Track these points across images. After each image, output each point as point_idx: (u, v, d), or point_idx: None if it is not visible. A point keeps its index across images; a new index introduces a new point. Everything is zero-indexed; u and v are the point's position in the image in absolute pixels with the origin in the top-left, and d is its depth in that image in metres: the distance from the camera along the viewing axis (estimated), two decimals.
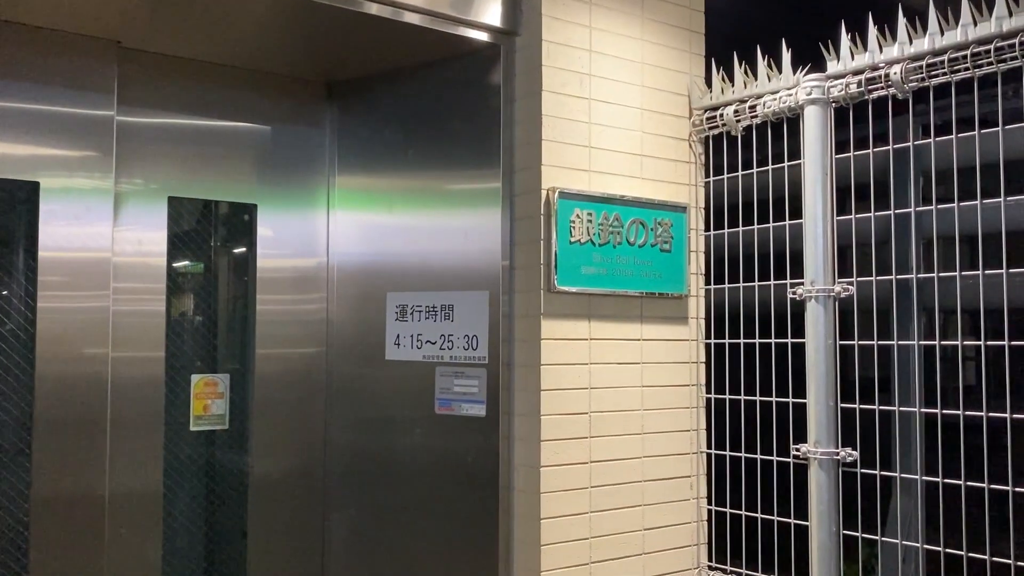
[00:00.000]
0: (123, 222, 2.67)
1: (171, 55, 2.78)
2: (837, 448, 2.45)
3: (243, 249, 2.99)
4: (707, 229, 2.96)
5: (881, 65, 2.41)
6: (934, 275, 2.32)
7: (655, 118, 2.85)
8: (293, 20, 2.61)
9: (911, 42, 2.35)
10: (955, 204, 2.28)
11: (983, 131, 2.22)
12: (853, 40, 2.48)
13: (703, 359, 2.92)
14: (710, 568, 2.86)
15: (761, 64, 2.71)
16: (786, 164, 2.67)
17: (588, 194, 2.65)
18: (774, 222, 2.71)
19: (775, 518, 2.66)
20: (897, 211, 2.46)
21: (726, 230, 2.88)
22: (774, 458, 2.66)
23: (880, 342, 2.43)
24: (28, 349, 2.49)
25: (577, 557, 2.59)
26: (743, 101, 2.77)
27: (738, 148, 2.82)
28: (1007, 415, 2.13)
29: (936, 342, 2.32)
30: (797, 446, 2.51)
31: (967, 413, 2.21)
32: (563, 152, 2.63)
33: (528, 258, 2.62)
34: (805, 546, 2.50)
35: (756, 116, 2.73)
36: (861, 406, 2.43)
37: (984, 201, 2.20)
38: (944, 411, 2.27)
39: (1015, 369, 2.13)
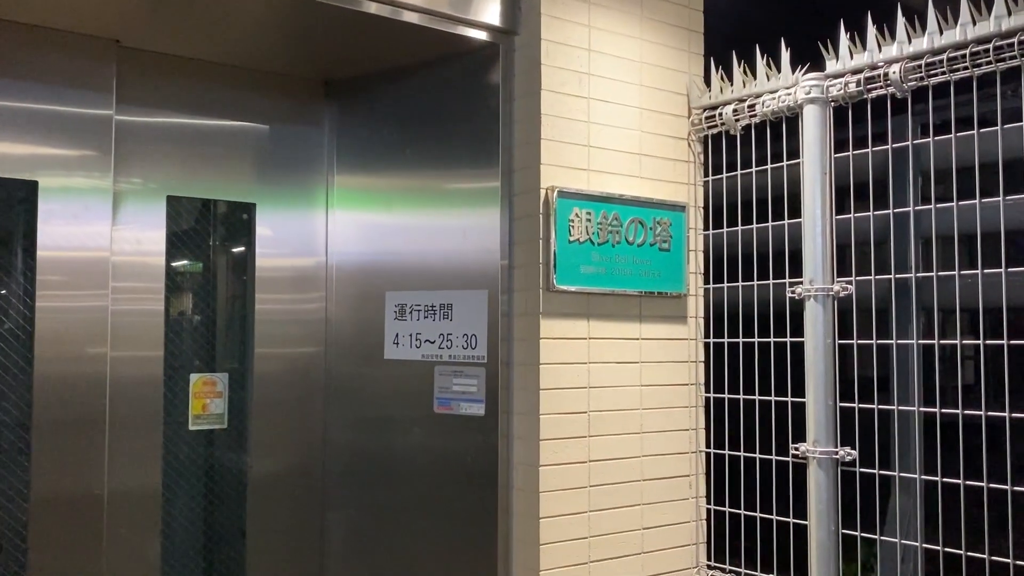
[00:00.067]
0: (122, 221, 2.67)
1: (170, 54, 2.78)
2: (836, 447, 2.45)
3: (242, 248, 2.99)
4: (706, 228, 2.96)
5: (880, 64, 2.41)
6: (933, 274, 2.32)
7: (654, 117, 2.85)
8: (292, 19, 2.60)
9: (910, 41, 2.35)
10: (954, 203, 2.28)
11: (982, 130, 2.22)
12: (852, 39, 2.48)
13: (702, 358, 2.92)
14: (709, 567, 2.86)
15: (760, 63, 2.71)
16: (785, 163, 2.67)
17: (587, 193, 2.65)
18: (773, 221, 2.71)
19: (774, 517, 2.66)
20: (896, 210, 2.46)
21: (725, 229, 2.88)
22: (773, 457, 2.66)
23: (879, 341, 2.43)
24: (27, 349, 2.49)
25: (576, 556, 2.59)
26: (742, 100, 2.77)
27: (737, 147, 2.82)
28: (1006, 414, 2.13)
29: (935, 341, 2.32)
30: (796, 445, 2.51)
31: (966, 412, 2.22)
32: (562, 151, 2.63)
33: (527, 257, 2.62)
34: (804, 545, 2.50)
35: (755, 115, 2.73)
36: (860, 405, 2.43)
37: (983, 200, 2.20)
38: (943, 410, 2.27)
39: (1014, 368, 2.13)
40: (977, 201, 2.21)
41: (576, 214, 2.62)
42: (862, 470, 2.41)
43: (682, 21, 2.93)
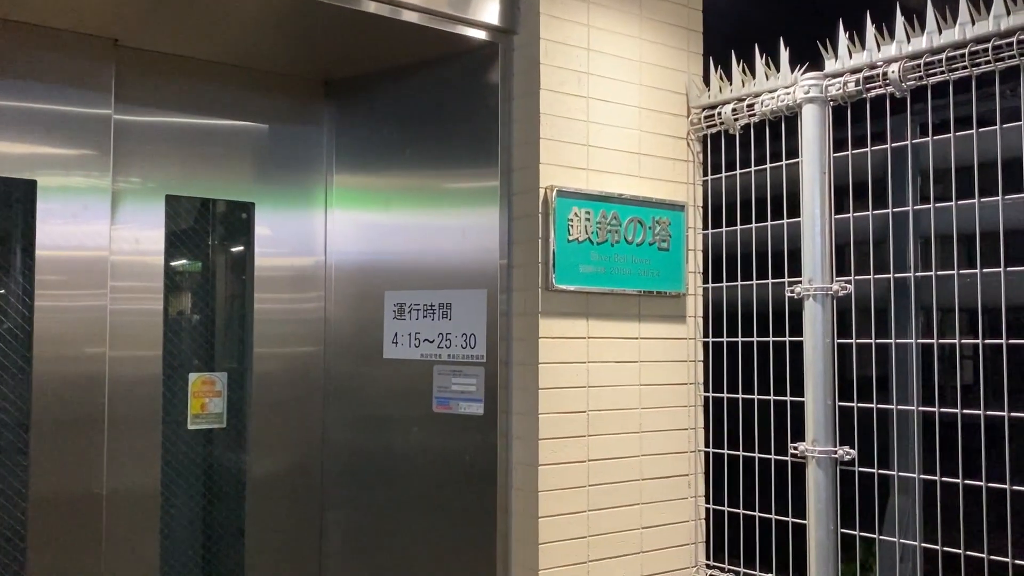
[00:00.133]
0: (121, 221, 2.67)
1: (169, 53, 2.78)
2: (835, 446, 2.45)
3: (241, 248, 2.99)
4: (705, 228, 2.96)
5: (879, 64, 2.41)
6: (932, 274, 2.33)
7: (653, 117, 2.85)
8: (291, 18, 2.60)
9: (909, 41, 2.35)
10: (953, 203, 2.28)
11: (981, 130, 2.22)
12: (851, 39, 2.48)
13: (701, 358, 2.92)
14: (708, 566, 2.86)
15: (759, 63, 2.71)
16: (784, 163, 2.67)
17: (586, 192, 2.65)
18: (772, 221, 2.71)
19: (773, 516, 2.66)
20: (895, 210, 2.46)
21: (724, 229, 2.88)
22: (772, 456, 2.66)
23: (878, 340, 2.43)
24: (26, 348, 2.49)
25: (575, 555, 2.59)
26: (741, 100, 2.77)
27: (736, 147, 2.82)
28: (1005, 413, 2.13)
29: (934, 341, 2.32)
30: (795, 444, 2.51)
31: (965, 412, 2.22)
32: (561, 151, 2.63)
33: (526, 256, 2.62)
34: (803, 544, 2.50)
35: (754, 115, 2.73)
36: (859, 404, 2.43)
37: (982, 200, 2.20)
38: (942, 409, 2.27)
39: (1012, 368, 2.13)
40: (976, 200, 2.21)
41: (575, 213, 2.61)
42: (861, 469, 2.41)
43: (681, 20, 2.93)
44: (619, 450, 2.70)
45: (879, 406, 2.41)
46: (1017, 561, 2.12)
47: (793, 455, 2.52)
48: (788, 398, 2.59)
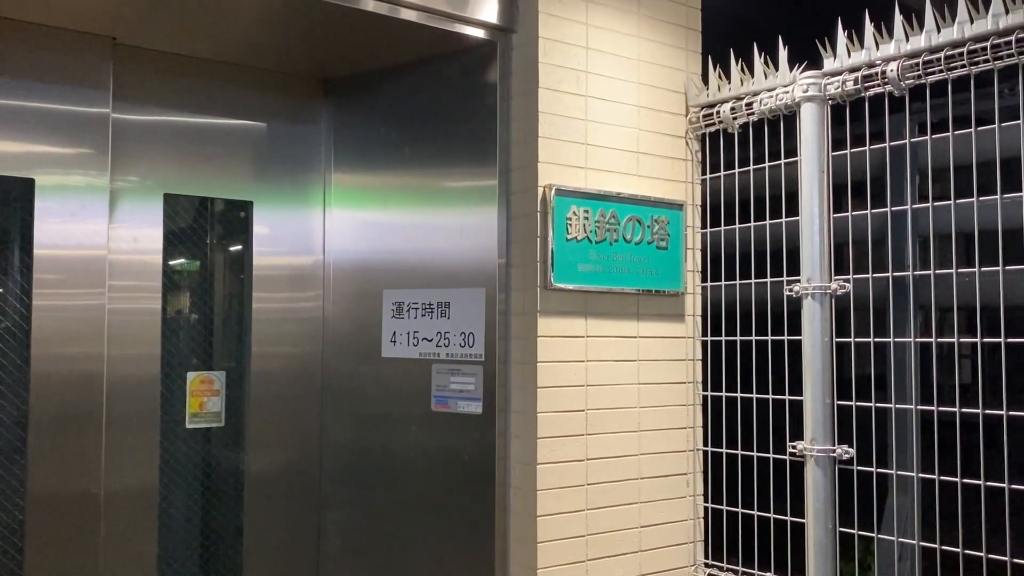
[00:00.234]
0: (119, 219, 2.67)
1: (167, 52, 2.78)
2: (833, 445, 2.45)
3: (239, 246, 2.99)
4: (703, 226, 2.96)
5: (878, 62, 2.41)
6: (930, 272, 2.33)
7: (652, 115, 2.85)
8: (289, 16, 2.60)
9: (908, 39, 2.35)
10: (951, 201, 2.28)
11: (979, 128, 2.22)
12: (850, 37, 2.48)
13: (699, 356, 2.92)
14: (706, 565, 2.86)
15: (758, 61, 2.71)
16: (783, 161, 2.67)
17: (585, 191, 2.65)
18: (770, 219, 2.71)
19: (771, 515, 2.66)
20: (893, 208, 2.46)
21: (723, 227, 2.88)
22: (770, 455, 2.66)
23: (876, 339, 2.43)
24: (23, 347, 2.48)
25: (573, 554, 2.59)
26: (740, 98, 2.77)
27: (735, 145, 2.82)
28: (1003, 412, 2.13)
29: (932, 339, 2.32)
30: (793, 443, 2.51)
31: (963, 410, 2.22)
32: (560, 149, 2.63)
33: (525, 255, 2.61)
34: (801, 543, 2.50)
35: (753, 113, 2.73)
36: (857, 403, 2.43)
37: (980, 198, 2.20)
38: (940, 408, 2.27)
39: (1011, 366, 2.13)
40: (975, 199, 2.21)
41: (574, 212, 2.61)
42: (859, 468, 2.41)
43: (680, 19, 2.93)
44: (618, 449, 2.70)
45: (878, 405, 2.41)
46: (1016, 560, 2.12)
47: (792, 454, 2.52)
48: (787, 397, 2.59)
